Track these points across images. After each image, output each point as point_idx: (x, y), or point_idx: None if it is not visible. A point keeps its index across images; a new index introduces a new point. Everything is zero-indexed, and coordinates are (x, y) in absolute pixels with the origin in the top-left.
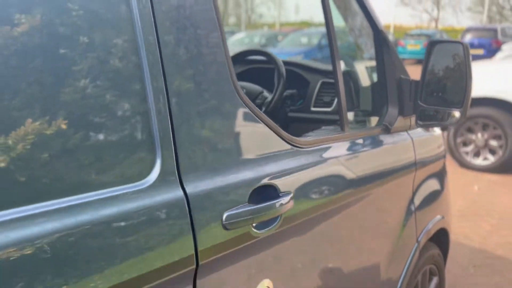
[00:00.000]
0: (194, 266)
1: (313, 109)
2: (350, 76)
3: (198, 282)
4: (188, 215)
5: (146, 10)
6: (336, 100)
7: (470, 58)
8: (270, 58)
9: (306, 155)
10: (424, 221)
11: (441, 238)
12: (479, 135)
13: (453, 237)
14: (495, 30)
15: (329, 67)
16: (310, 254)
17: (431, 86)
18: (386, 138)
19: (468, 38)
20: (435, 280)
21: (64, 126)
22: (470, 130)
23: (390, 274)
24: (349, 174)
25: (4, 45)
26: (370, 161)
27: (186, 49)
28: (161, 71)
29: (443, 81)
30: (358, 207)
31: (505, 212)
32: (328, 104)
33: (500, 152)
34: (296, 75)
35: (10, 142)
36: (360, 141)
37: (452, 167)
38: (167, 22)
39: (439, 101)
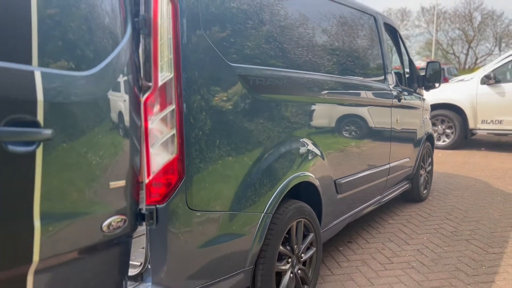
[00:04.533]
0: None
1: None
2: (402, 74)
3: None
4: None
5: (377, 35)
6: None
7: (441, 67)
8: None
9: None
10: (425, 128)
11: (431, 141)
12: (439, 126)
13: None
14: (442, 69)
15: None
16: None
17: (428, 76)
18: (414, 93)
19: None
20: (429, 160)
21: (367, 65)
22: (434, 124)
23: (417, 142)
24: (408, 98)
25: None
26: (412, 97)
27: (387, 52)
28: (383, 53)
29: (432, 74)
30: (409, 110)
31: (455, 163)
32: None
33: (452, 136)
34: None
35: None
36: (408, 90)
37: None
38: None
39: (431, 80)
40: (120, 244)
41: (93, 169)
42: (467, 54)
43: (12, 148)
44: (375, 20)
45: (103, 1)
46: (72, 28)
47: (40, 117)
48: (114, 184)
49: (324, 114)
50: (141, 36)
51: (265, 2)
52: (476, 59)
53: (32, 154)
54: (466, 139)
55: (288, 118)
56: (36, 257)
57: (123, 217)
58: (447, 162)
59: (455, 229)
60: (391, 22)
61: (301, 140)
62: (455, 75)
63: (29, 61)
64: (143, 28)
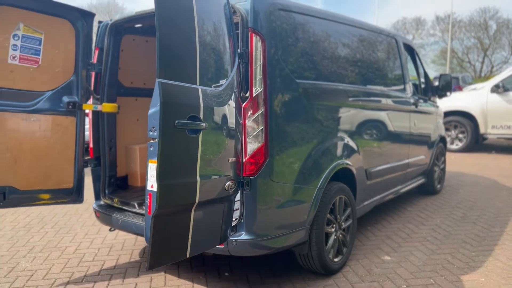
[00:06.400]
0: None
1: None
2: (418, 85)
3: None
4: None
5: (398, 51)
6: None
7: (452, 78)
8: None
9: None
10: (439, 130)
11: (444, 143)
12: (453, 131)
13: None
14: (457, 78)
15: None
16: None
17: (441, 87)
18: (429, 101)
19: (435, 84)
20: (442, 159)
21: (389, 79)
22: (448, 129)
23: (432, 143)
24: (423, 105)
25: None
26: (426, 104)
27: (406, 66)
28: (402, 67)
29: (444, 84)
30: (424, 115)
31: (466, 164)
32: None
33: (464, 140)
34: None
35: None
36: (423, 98)
37: None
38: (405, 56)
39: (443, 89)
40: (229, 201)
41: (222, 148)
42: (482, 62)
43: (189, 133)
44: (396, 41)
45: (225, 43)
46: (214, 62)
47: (201, 115)
48: (231, 159)
49: (359, 117)
50: (240, 63)
51: (317, 38)
52: (492, 67)
53: (197, 138)
54: (478, 143)
55: (334, 120)
56: (197, 199)
57: (233, 182)
58: (459, 164)
59: (464, 215)
60: (408, 41)
61: (343, 137)
62: (470, 84)
63: (195, 82)
64: (244, 58)
